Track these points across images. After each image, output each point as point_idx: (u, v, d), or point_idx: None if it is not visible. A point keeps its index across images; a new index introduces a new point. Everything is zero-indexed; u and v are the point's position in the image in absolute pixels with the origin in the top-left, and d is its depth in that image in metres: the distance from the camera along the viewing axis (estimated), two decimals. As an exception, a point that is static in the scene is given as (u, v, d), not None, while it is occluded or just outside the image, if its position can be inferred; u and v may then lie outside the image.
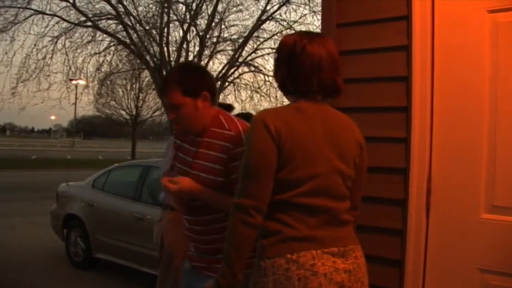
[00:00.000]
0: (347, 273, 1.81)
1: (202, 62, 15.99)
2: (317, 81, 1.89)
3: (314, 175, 1.82)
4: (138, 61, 16.45)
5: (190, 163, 2.35)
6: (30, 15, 14.61)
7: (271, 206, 1.82)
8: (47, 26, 14.81)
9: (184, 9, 15.83)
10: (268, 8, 15.66)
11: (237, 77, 17.21)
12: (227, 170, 2.22)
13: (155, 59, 15.51)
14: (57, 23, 14.87)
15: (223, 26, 16.32)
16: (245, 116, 3.96)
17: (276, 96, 16.07)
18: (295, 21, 15.52)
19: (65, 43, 15.18)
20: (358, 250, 1.89)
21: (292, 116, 1.85)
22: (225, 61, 16.53)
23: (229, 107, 4.24)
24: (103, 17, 15.46)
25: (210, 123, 2.32)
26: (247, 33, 15.95)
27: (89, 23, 15.19)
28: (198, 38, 15.99)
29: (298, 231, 1.80)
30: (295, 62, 1.90)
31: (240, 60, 16.45)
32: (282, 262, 1.76)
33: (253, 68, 16.89)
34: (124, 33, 15.52)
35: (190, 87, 2.28)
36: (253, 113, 13.56)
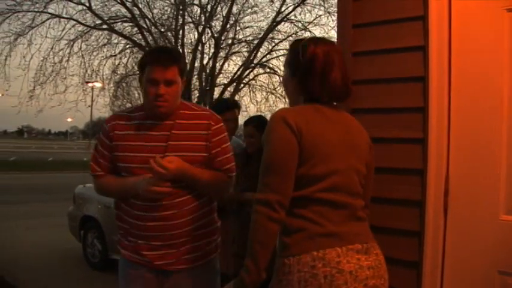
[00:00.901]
0: (371, 269, 1.84)
1: (217, 64, 16.02)
2: (339, 89, 1.99)
3: (333, 171, 1.87)
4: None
5: (163, 147, 2.37)
6: (47, 19, 14.72)
7: (292, 203, 1.83)
8: (63, 30, 14.91)
9: (199, 11, 15.86)
10: (283, 9, 15.62)
11: (252, 79, 17.18)
12: (209, 144, 2.42)
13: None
14: (73, 26, 14.97)
15: (238, 28, 16.31)
16: (252, 121, 3.99)
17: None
18: (310, 22, 15.46)
19: (81, 46, 15.27)
20: (377, 247, 1.94)
21: (312, 115, 1.91)
22: (240, 63, 16.53)
23: (236, 104, 4.24)
24: (118, 20, 15.53)
25: (178, 106, 2.46)
26: (262, 34, 15.91)
27: (105, 26, 15.27)
28: (213, 40, 16.00)
29: (323, 227, 1.83)
30: (330, 74, 1.96)
31: (255, 61, 16.42)
32: (308, 259, 1.78)
33: (268, 70, 16.83)
34: (139, 36, 15.59)
35: (183, 70, 2.45)
36: (268, 114, 13.49)
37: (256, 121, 3.99)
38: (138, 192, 2.33)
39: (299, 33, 15.48)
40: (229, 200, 3.65)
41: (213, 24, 15.93)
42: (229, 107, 4.08)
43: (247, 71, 16.66)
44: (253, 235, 1.79)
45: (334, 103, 2.04)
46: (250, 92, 17.31)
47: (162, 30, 15.61)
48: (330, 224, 1.83)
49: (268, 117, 3.99)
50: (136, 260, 2.44)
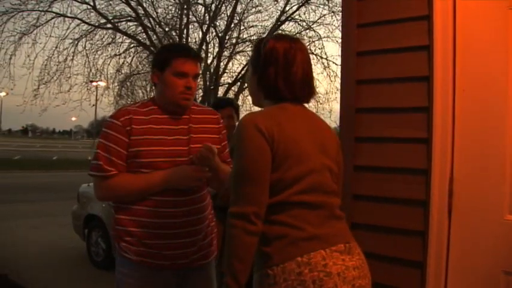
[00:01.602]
0: (356, 270, 1.79)
1: (221, 63, 16.01)
2: (299, 86, 1.94)
3: (308, 172, 1.82)
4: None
5: (186, 140, 2.42)
6: (52, 18, 14.73)
7: (268, 210, 1.77)
8: (67, 29, 14.91)
9: (203, 10, 15.85)
10: (287, 8, 15.60)
11: (257, 78, 17.15)
12: (221, 137, 2.59)
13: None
14: (77, 25, 14.99)
15: (242, 27, 16.30)
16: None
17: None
18: (314, 22, 15.43)
19: (85, 45, 15.28)
20: (357, 246, 1.88)
21: (281, 116, 1.86)
22: (244, 62, 16.48)
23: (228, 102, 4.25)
24: (123, 19, 15.54)
25: None
26: (266, 34, 15.91)
27: (109, 25, 15.28)
28: (217, 39, 15.99)
29: (303, 231, 1.76)
30: (290, 69, 1.92)
31: (259, 61, 16.40)
32: (293, 266, 1.71)
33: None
34: (144, 35, 15.59)
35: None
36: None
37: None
38: (170, 185, 2.34)
39: (303, 33, 15.47)
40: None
41: (217, 23, 15.93)
42: (223, 105, 4.10)
43: (252, 70, 16.61)
44: (231, 251, 1.72)
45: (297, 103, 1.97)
46: (254, 91, 17.28)
47: (167, 29, 15.62)
48: (310, 227, 1.77)
49: None
50: (155, 264, 2.37)
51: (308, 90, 1.98)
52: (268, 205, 1.77)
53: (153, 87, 2.54)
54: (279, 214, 1.78)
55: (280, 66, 1.91)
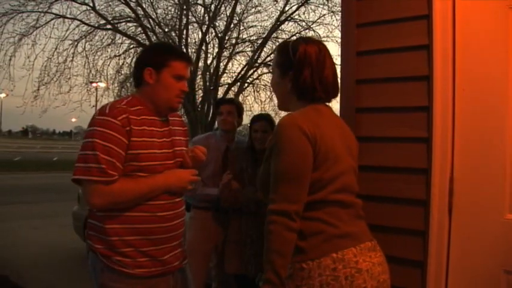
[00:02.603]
0: (380, 266, 1.88)
1: (221, 63, 16.01)
2: (331, 86, 2.05)
3: (342, 172, 1.92)
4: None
5: (170, 143, 2.41)
6: (51, 19, 14.72)
7: (305, 207, 1.84)
8: (67, 30, 14.91)
9: (203, 11, 15.85)
10: (286, 8, 15.61)
11: (256, 78, 17.15)
12: (186, 140, 2.59)
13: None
14: (77, 26, 14.98)
15: (242, 27, 16.30)
16: (265, 117, 3.96)
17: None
18: (314, 22, 15.45)
19: (85, 46, 15.28)
20: (377, 244, 1.98)
21: (318, 118, 1.93)
22: (244, 62, 16.51)
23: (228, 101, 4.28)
24: (122, 20, 15.54)
25: None
26: (266, 34, 15.91)
27: (109, 26, 15.29)
28: (217, 40, 15.99)
29: (337, 228, 1.85)
30: (323, 71, 2.00)
31: (259, 61, 16.39)
32: (329, 262, 1.79)
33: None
34: (143, 36, 15.58)
35: None
36: (272, 113, 13.44)
37: (268, 117, 3.99)
38: (169, 189, 2.33)
39: (303, 33, 15.48)
40: (247, 200, 3.62)
41: (216, 23, 15.93)
42: (224, 102, 4.13)
43: (251, 71, 16.65)
44: (272, 246, 1.78)
45: (327, 103, 2.08)
46: (254, 91, 17.32)
47: (166, 30, 15.62)
48: (343, 224, 1.86)
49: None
50: (156, 272, 2.32)
51: (337, 91, 2.09)
52: (307, 202, 1.84)
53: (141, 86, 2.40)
54: (316, 211, 1.86)
55: (315, 69, 1.99)
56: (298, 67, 2.00)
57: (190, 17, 15.90)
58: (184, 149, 2.49)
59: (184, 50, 15.35)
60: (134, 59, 15.77)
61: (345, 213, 1.90)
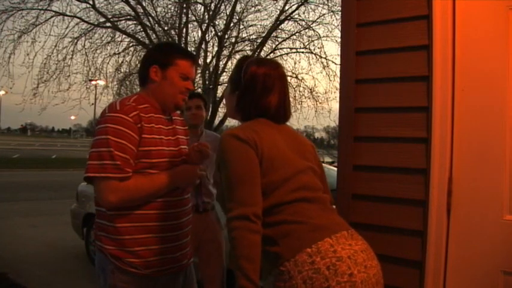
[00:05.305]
0: (363, 252, 1.84)
1: (221, 62, 16.02)
2: (273, 113, 2.06)
3: (295, 172, 1.93)
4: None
5: (174, 141, 2.43)
6: (51, 17, 14.74)
7: (268, 213, 1.83)
8: (67, 27, 14.93)
9: (202, 9, 15.87)
10: (286, 8, 15.63)
11: (256, 77, 17.14)
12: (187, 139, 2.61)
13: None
14: (77, 24, 15.00)
15: (241, 26, 16.32)
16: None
17: (295, 96, 16.02)
18: (313, 21, 15.45)
19: (84, 44, 15.30)
20: (357, 233, 1.94)
21: (258, 126, 1.97)
22: (243, 61, 16.50)
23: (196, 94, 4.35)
24: (122, 18, 15.56)
25: None
26: (265, 33, 15.92)
27: (109, 24, 15.30)
28: (216, 38, 16.01)
29: (307, 224, 1.84)
30: (266, 98, 2.05)
31: (259, 60, 16.40)
32: (305, 257, 1.76)
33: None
34: (143, 34, 15.61)
35: None
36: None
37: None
38: (178, 185, 2.34)
39: (302, 32, 15.50)
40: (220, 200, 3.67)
41: (216, 22, 15.95)
42: (193, 96, 4.15)
43: (251, 70, 16.60)
44: (238, 252, 1.73)
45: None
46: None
47: (166, 28, 15.63)
48: (311, 220, 1.85)
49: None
50: (168, 271, 2.32)
51: (285, 114, 2.12)
52: (266, 209, 1.83)
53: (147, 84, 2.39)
54: (279, 214, 1.85)
55: (257, 95, 2.04)
56: (243, 89, 2.06)
57: (190, 16, 15.94)
58: (187, 147, 2.51)
59: (184, 49, 15.32)
60: (134, 57, 15.83)
61: (310, 209, 1.88)
